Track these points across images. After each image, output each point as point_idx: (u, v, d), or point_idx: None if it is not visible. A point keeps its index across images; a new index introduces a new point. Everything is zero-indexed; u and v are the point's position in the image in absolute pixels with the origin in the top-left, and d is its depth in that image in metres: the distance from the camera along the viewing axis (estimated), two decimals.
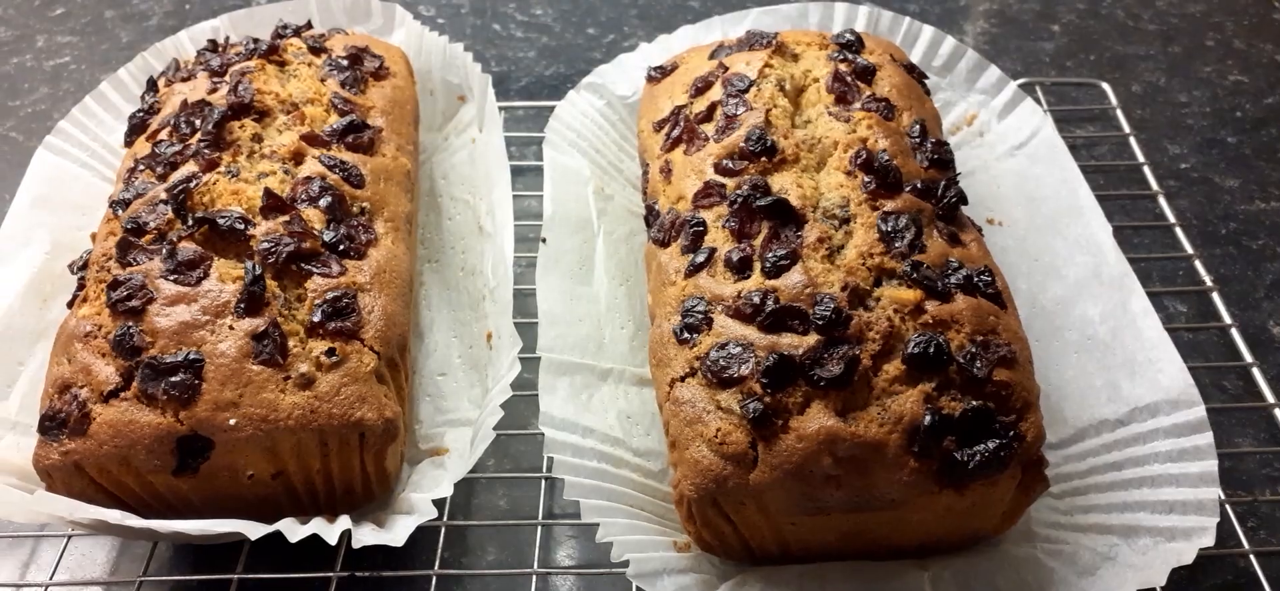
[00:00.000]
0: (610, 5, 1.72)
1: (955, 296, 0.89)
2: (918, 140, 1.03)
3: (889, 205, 0.94)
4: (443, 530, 0.98)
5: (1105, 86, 1.47)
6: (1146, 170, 1.34)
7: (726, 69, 1.11)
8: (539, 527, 0.99)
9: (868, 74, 1.09)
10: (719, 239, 0.95)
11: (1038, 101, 1.41)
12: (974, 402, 0.83)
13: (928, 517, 0.85)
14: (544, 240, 1.09)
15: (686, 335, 0.90)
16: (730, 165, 1.00)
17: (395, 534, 0.87)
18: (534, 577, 0.96)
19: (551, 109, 1.25)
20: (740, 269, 0.92)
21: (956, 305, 0.88)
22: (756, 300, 0.88)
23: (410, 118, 1.19)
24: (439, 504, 0.94)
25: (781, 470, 0.82)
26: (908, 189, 0.96)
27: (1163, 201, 1.30)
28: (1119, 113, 1.43)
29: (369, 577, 0.94)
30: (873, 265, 0.90)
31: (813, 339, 0.85)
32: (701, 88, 1.11)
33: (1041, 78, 1.52)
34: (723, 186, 0.99)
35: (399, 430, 0.91)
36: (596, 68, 1.32)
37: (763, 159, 0.99)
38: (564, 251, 1.10)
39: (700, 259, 0.94)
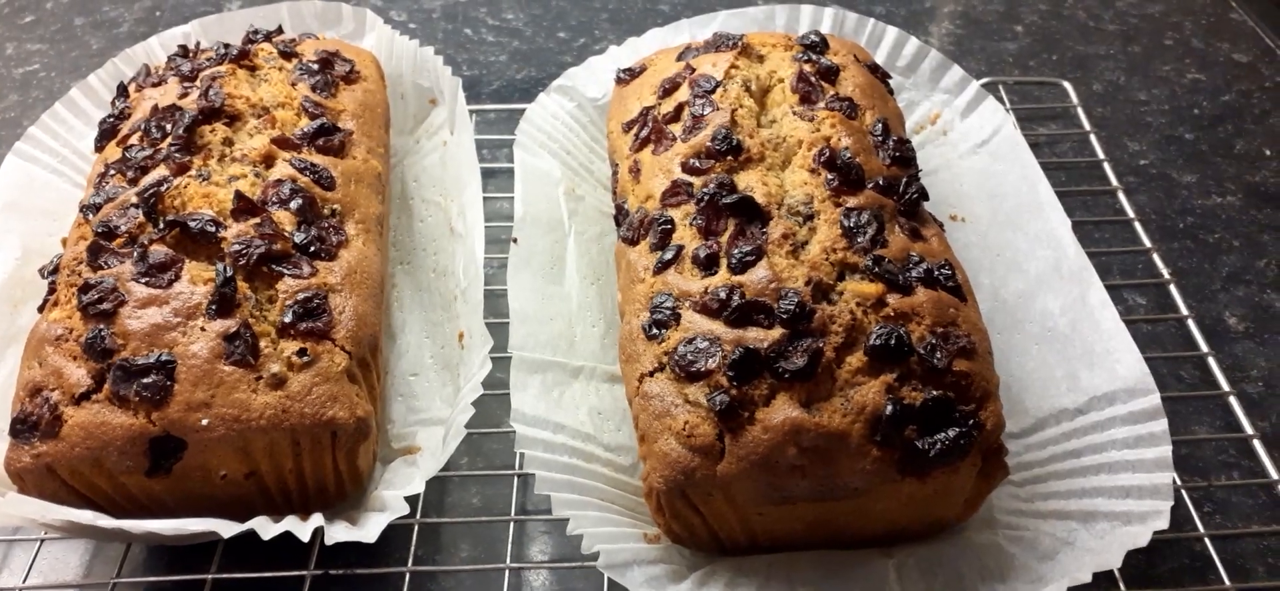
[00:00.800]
0: (581, 9, 1.73)
1: (916, 290, 0.91)
2: (880, 138, 1.05)
3: (852, 201, 0.96)
4: (416, 527, 0.99)
5: (1067, 85, 1.50)
6: (1107, 167, 1.37)
7: (693, 70, 1.13)
8: (512, 523, 1.00)
9: (832, 74, 1.11)
10: (687, 237, 0.97)
11: (1001, 101, 1.44)
12: (934, 392, 0.85)
13: (891, 506, 0.87)
14: (515, 240, 1.10)
15: (655, 331, 0.92)
16: (697, 164, 1.01)
17: (368, 531, 0.88)
18: (507, 572, 0.97)
19: (522, 112, 1.26)
20: (707, 265, 0.93)
21: (917, 298, 0.90)
22: (723, 295, 0.90)
23: (381, 121, 1.20)
24: (411, 500, 0.95)
25: (748, 461, 0.84)
26: (870, 186, 0.98)
27: (1122, 197, 1.33)
28: (1080, 111, 1.46)
29: (343, 575, 0.95)
30: (836, 260, 0.92)
31: (777, 333, 0.87)
32: (669, 89, 1.13)
33: (1005, 77, 1.54)
34: (690, 185, 1.00)
35: (371, 429, 0.92)
36: (567, 70, 1.34)
37: (729, 158, 1.01)
38: (535, 251, 1.11)
39: (668, 256, 0.96)
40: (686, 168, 1.02)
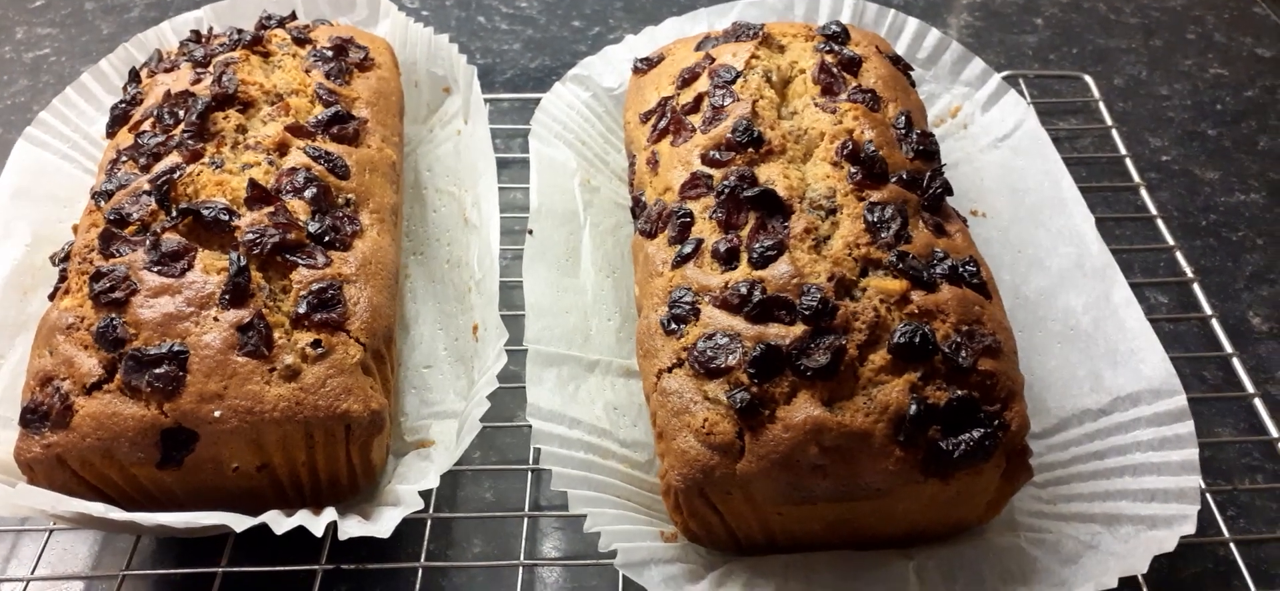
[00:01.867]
0: None
1: (941, 286, 0.89)
2: (903, 131, 1.03)
3: (875, 196, 0.94)
4: (428, 522, 0.98)
5: (1088, 79, 1.48)
6: (1128, 162, 1.35)
7: (713, 60, 1.11)
8: (525, 519, 0.99)
9: (854, 65, 1.09)
10: (706, 230, 0.95)
11: (1021, 94, 1.42)
12: (959, 392, 0.84)
13: (913, 507, 0.86)
14: (530, 232, 1.09)
15: (674, 326, 0.90)
16: (717, 156, 1.00)
17: (381, 525, 0.86)
18: (521, 569, 0.96)
19: (536, 102, 1.25)
20: (727, 260, 0.92)
21: (942, 295, 0.89)
22: (743, 291, 0.88)
23: (395, 109, 1.18)
24: (425, 495, 0.93)
25: (768, 460, 0.83)
26: (893, 180, 0.96)
27: (1144, 193, 1.31)
28: (1101, 105, 1.44)
29: (355, 570, 0.94)
30: (859, 255, 0.91)
31: (799, 329, 0.86)
32: (688, 79, 1.11)
33: (1024, 70, 1.52)
34: (710, 177, 0.99)
35: (385, 422, 0.91)
36: (582, 60, 1.32)
37: (750, 150, 0.99)
38: (550, 243, 1.10)
39: (687, 250, 0.94)
40: (706, 159, 1.00)
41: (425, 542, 0.96)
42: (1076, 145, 1.41)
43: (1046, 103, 1.47)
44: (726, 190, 0.95)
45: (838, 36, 1.14)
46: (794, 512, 0.86)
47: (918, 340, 0.85)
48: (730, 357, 0.85)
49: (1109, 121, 1.42)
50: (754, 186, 0.95)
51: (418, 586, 0.93)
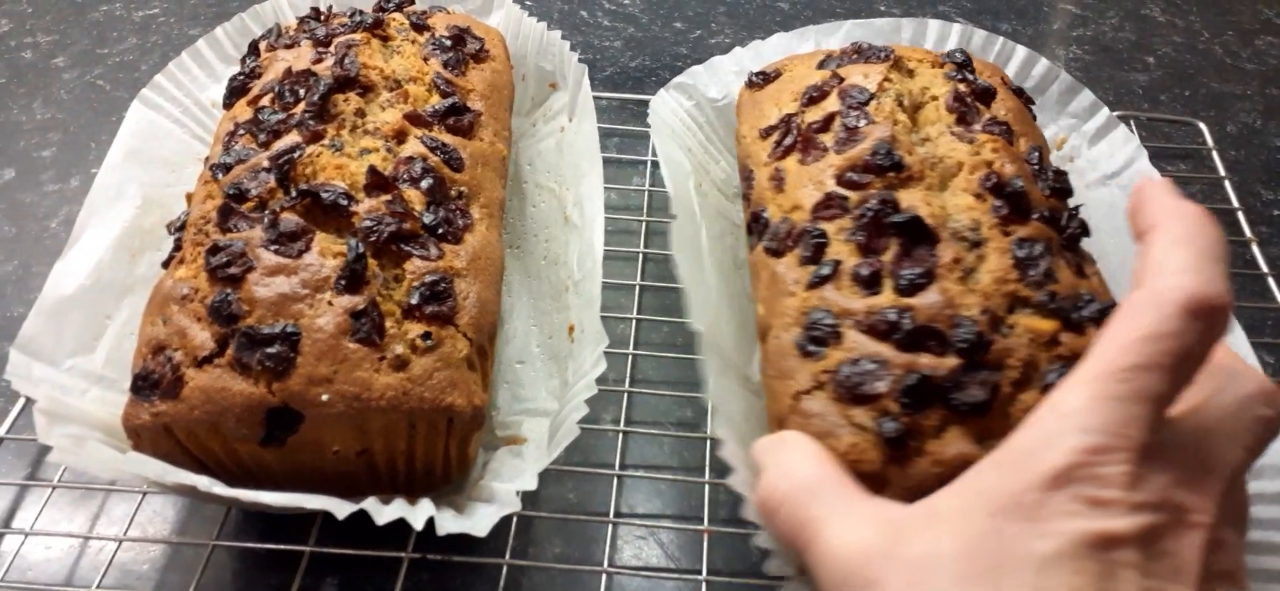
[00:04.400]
0: (699, 0, 1.70)
1: (1088, 330, 0.87)
2: (1037, 167, 1.01)
3: (1021, 232, 0.92)
4: (515, 519, 0.98)
5: (1202, 126, 1.44)
6: (1240, 216, 1.31)
7: (841, 80, 1.09)
8: (609, 525, 0.99)
9: (987, 96, 1.07)
10: (842, 252, 0.93)
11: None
12: None
13: None
14: (674, 216, 1.05)
15: (812, 347, 0.88)
16: (854, 178, 0.97)
17: (478, 522, 0.86)
18: (604, 575, 0.95)
19: (635, 102, 1.24)
20: (869, 284, 0.89)
21: (1089, 339, 0.86)
22: (892, 317, 0.86)
23: (506, 103, 1.18)
24: (522, 496, 0.93)
25: (913, 493, 0.79)
26: (1035, 216, 0.94)
27: (1255, 249, 1.27)
28: (1214, 154, 1.40)
29: (440, 561, 0.94)
30: (1007, 291, 0.88)
31: (951, 361, 0.83)
32: (815, 97, 1.09)
33: (1135, 111, 1.49)
34: (845, 199, 0.96)
35: (485, 418, 0.91)
36: (687, 68, 1.31)
37: (889, 174, 0.97)
38: (686, 232, 1.05)
39: (825, 271, 0.92)
40: (842, 180, 0.98)
41: (510, 540, 0.96)
42: (1186, 193, 1.36)
43: (1155, 146, 1.43)
44: (869, 213, 0.93)
45: (965, 65, 1.12)
46: None
47: None
48: (879, 385, 0.83)
49: (1221, 171, 1.38)
50: (898, 212, 0.92)
51: (502, 582, 0.94)
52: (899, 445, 0.81)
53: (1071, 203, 1.03)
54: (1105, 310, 0.90)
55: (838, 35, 1.33)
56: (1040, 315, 0.87)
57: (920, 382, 0.83)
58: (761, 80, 1.19)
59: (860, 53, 1.15)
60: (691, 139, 1.24)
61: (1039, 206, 0.96)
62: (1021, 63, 1.32)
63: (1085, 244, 1.18)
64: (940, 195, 0.98)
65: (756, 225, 1.04)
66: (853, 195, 0.97)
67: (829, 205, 0.97)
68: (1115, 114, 1.41)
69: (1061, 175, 1.02)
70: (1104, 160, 1.25)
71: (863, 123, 1.02)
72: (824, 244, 0.94)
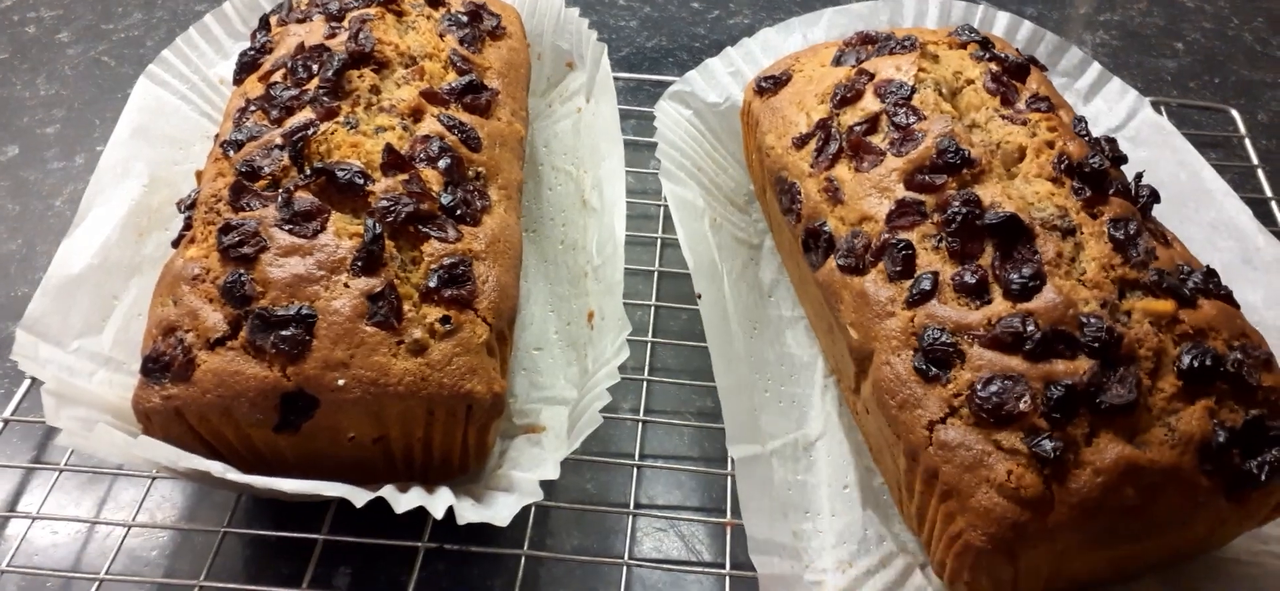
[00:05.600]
0: None
1: (1201, 302, 0.85)
2: (1088, 137, 0.97)
3: (1109, 211, 0.89)
4: (532, 510, 0.95)
5: (1234, 113, 1.41)
6: (1274, 205, 1.28)
7: (871, 75, 1.04)
8: (629, 516, 0.96)
9: (1021, 72, 1.03)
10: (933, 261, 0.88)
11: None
12: (1253, 412, 0.80)
13: (1202, 532, 0.82)
14: (699, 296, 1.01)
15: (934, 371, 0.83)
16: (925, 180, 0.93)
17: (499, 512, 0.84)
18: (624, 568, 0.93)
19: (653, 83, 1.20)
20: (977, 293, 0.85)
21: (1206, 311, 0.84)
22: (1017, 326, 0.82)
23: (523, 82, 1.15)
24: (542, 485, 0.91)
25: (1081, 508, 0.77)
26: (1111, 192, 0.91)
27: None
28: (1247, 142, 1.37)
29: (457, 551, 0.92)
30: (1115, 277, 0.85)
31: (1084, 363, 0.80)
32: (849, 97, 1.04)
33: (1165, 98, 1.45)
34: (921, 204, 0.92)
35: (504, 405, 0.88)
36: (705, 50, 1.28)
37: (962, 171, 0.92)
38: (714, 308, 1.01)
39: (925, 285, 0.87)
40: (912, 184, 0.93)
41: (528, 530, 0.94)
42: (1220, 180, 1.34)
43: (1186, 134, 1.38)
44: (958, 217, 0.88)
45: (985, 43, 1.08)
46: (1092, 557, 0.81)
47: (1209, 363, 0.80)
48: (1021, 402, 0.79)
49: (1254, 160, 1.34)
50: (986, 210, 0.88)
51: (520, 574, 0.91)
52: (1059, 462, 0.78)
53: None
54: (1209, 277, 0.87)
55: (820, 26, 1.29)
56: (1154, 295, 0.84)
57: (1067, 393, 0.79)
58: (772, 85, 1.13)
59: (870, 42, 1.11)
60: (697, 150, 1.19)
61: (1112, 180, 0.92)
62: (1004, 28, 1.28)
63: None
64: (1013, 184, 0.94)
65: (817, 241, 0.98)
66: (928, 199, 0.92)
67: (904, 212, 0.92)
68: (1150, 101, 1.38)
69: (1113, 142, 0.98)
70: (1104, 116, 1.23)
71: (914, 119, 0.98)
72: (912, 255, 0.89)
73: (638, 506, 0.98)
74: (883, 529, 0.91)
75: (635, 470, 1.00)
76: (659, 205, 1.26)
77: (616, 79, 1.43)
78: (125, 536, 0.94)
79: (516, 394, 1.01)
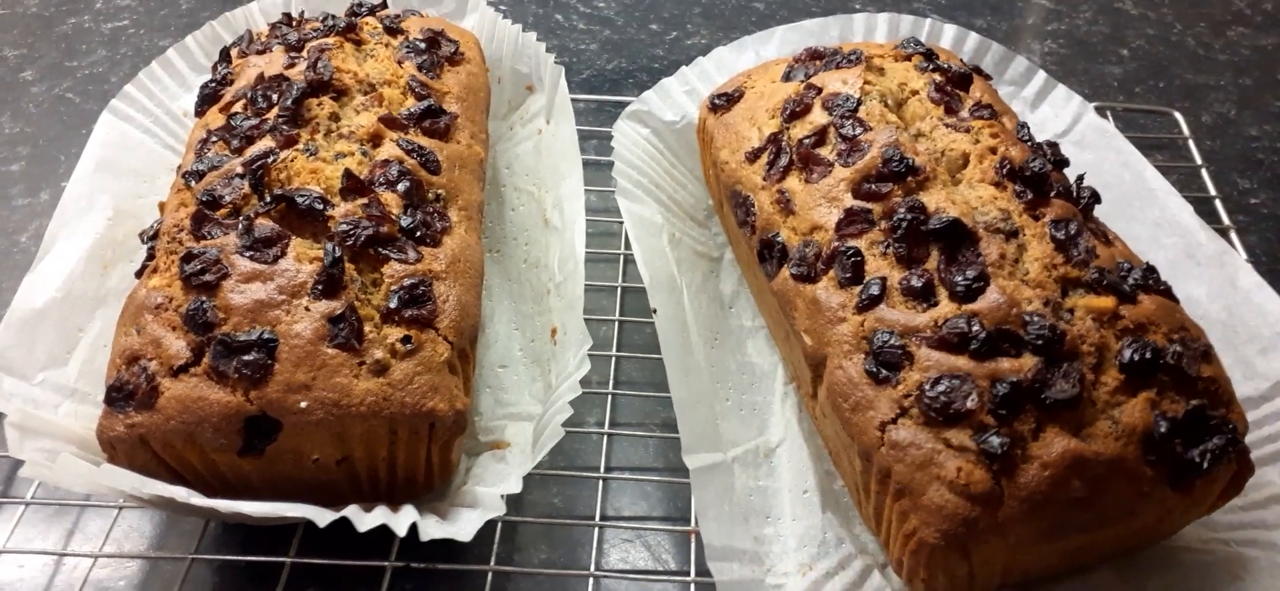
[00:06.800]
0: (674, 2, 1.70)
1: (1141, 298, 0.87)
2: (1030, 142, 1.00)
3: (1051, 213, 0.92)
4: (499, 525, 0.96)
5: (1177, 116, 1.45)
6: (1218, 204, 1.32)
7: (819, 90, 1.07)
8: (595, 528, 0.98)
9: (964, 81, 1.07)
10: (882, 267, 0.91)
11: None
12: (1193, 402, 0.83)
13: (1149, 522, 0.85)
14: (654, 311, 1.03)
15: (884, 373, 0.86)
16: (872, 188, 0.96)
17: (462, 528, 0.85)
18: (590, 579, 0.94)
19: (613, 104, 1.23)
20: (923, 295, 0.88)
21: (1145, 306, 0.87)
22: (963, 327, 0.84)
23: (483, 105, 1.17)
24: (506, 500, 0.92)
25: (1030, 501, 0.80)
26: (1052, 194, 0.94)
27: (1234, 237, 1.27)
28: (1190, 143, 1.41)
29: (423, 569, 0.93)
30: (1057, 276, 0.88)
31: (1029, 361, 0.83)
32: (798, 111, 1.07)
33: (1110, 103, 1.49)
34: (868, 211, 0.94)
35: (468, 422, 0.90)
36: (662, 71, 1.30)
37: (908, 179, 0.95)
38: (671, 322, 1.03)
39: (873, 290, 0.90)
40: (860, 193, 0.96)
41: (495, 546, 0.95)
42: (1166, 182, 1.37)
43: (1132, 137, 1.42)
44: (903, 223, 0.91)
45: (930, 54, 1.12)
46: (1045, 550, 0.83)
47: (1149, 356, 0.83)
48: (968, 401, 0.82)
49: (1198, 160, 1.38)
50: (930, 216, 0.91)
51: (487, 590, 0.92)
52: (1006, 458, 0.80)
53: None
54: (1148, 274, 0.90)
55: (773, 43, 1.32)
56: (1095, 293, 0.87)
57: (1012, 390, 0.81)
58: (725, 102, 1.16)
59: (818, 57, 1.13)
60: (655, 168, 1.21)
61: (1054, 183, 0.96)
62: (951, 40, 1.31)
63: None
64: (958, 190, 0.96)
65: (771, 251, 1.01)
66: (876, 207, 0.95)
67: (853, 221, 0.95)
68: (1095, 105, 1.42)
69: (1054, 146, 1.02)
70: (1050, 121, 1.27)
71: (860, 131, 1.01)
72: (861, 262, 0.92)
73: (604, 518, 0.99)
74: (843, 531, 0.93)
75: (601, 483, 1.01)
76: (621, 222, 1.28)
77: (578, 101, 1.46)
78: (92, 567, 0.94)
79: (482, 411, 1.03)
